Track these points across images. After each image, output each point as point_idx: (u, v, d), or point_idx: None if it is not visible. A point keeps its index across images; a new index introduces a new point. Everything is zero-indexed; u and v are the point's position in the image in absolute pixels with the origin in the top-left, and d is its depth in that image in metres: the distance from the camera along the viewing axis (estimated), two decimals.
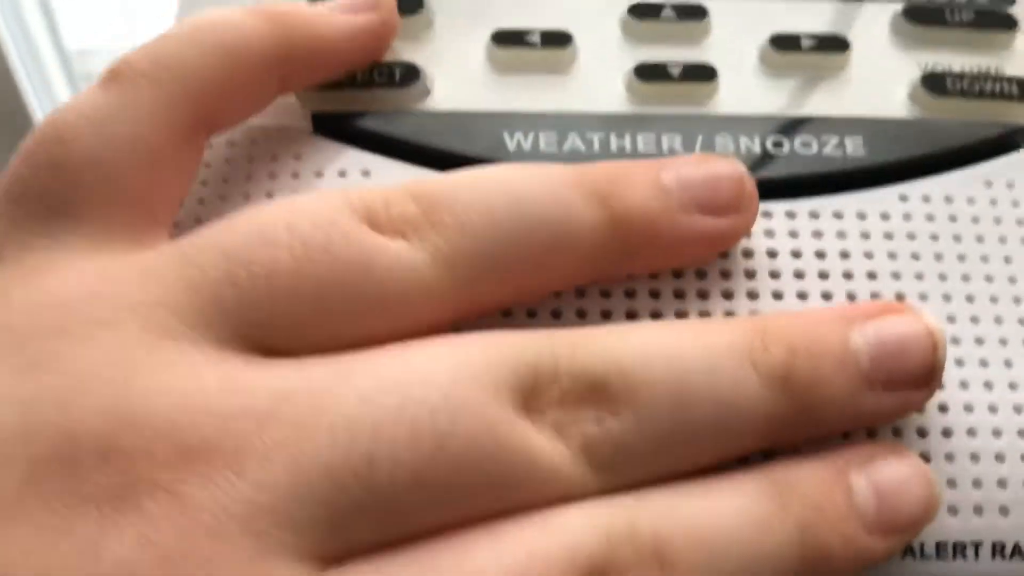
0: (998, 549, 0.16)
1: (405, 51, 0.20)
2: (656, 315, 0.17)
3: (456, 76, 0.20)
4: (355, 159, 0.18)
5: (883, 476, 0.15)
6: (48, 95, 0.86)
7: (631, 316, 0.17)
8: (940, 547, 0.16)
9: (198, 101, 0.16)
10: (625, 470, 0.14)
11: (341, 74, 0.19)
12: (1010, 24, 0.21)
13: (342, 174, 0.18)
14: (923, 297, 0.17)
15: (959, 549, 0.16)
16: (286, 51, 0.17)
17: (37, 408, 0.12)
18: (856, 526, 0.14)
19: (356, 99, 0.19)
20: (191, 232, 0.15)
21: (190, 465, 0.12)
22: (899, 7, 0.21)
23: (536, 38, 0.20)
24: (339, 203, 0.14)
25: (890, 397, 0.15)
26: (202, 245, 0.14)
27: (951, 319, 0.17)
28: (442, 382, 0.13)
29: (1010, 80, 0.20)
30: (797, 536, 0.14)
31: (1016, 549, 0.16)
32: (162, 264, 0.14)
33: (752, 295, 0.17)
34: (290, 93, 0.19)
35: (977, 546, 0.16)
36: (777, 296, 0.17)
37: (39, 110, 0.82)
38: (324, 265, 0.14)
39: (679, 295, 0.17)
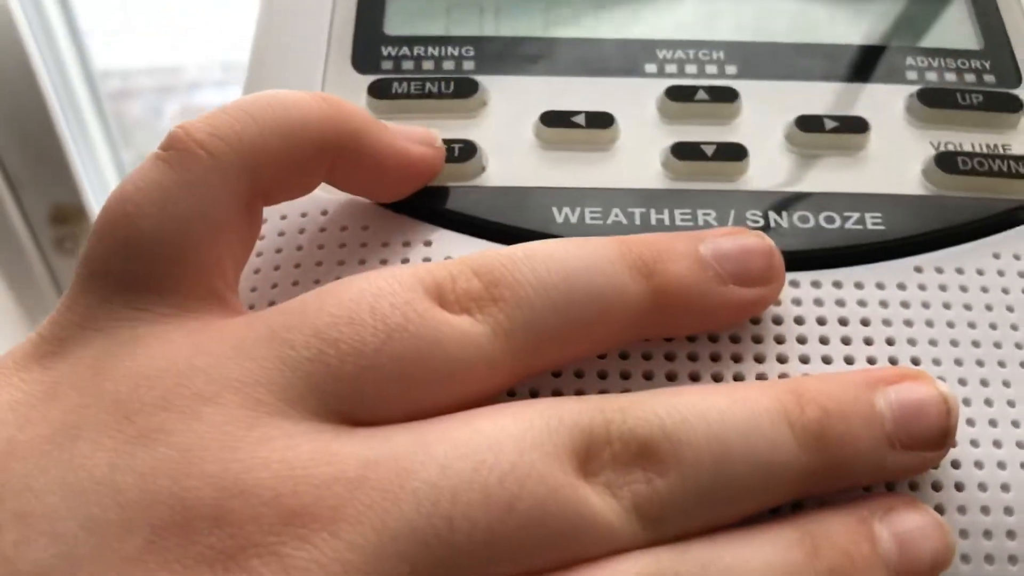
0: None
1: (463, 129, 0.22)
2: (694, 377, 0.18)
3: (508, 153, 0.22)
4: (418, 231, 0.20)
5: (903, 526, 0.17)
6: (75, 113, 0.89)
7: (671, 378, 0.18)
8: None
9: (255, 174, 0.18)
10: (671, 524, 0.15)
11: (379, 189, 0.20)
12: (1016, 106, 0.22)
13: (406, 244, 0.20)
14: (936, 362, 0.19)
15: None
16: (338, 144, 0.19)
17: (153, 478, 0.14)
18: (881, 571, 0.16)
19: None
20: (278, 307, 0.16)
21: (291, 529, 0.14)
22: (914, 89, 0.23)
23: (581, 119, 0.22)
24: (413, 283, 0.16)
25: (910, 455, 0.17)
26: (293, 324, 0.16)
27: (962, 382, 0.19)
28: (510, 449, 0.14)
29: (1017, 159, 0.22)
30: None
31: None
32: (254, 341, 0.16)
33: (781, 359, 0.19)
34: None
35: None
36: (804, 360, 0.19)
37: (67, 127, 0.85)
38: (403, 343, 0.15)
39: (715, 358, 0.19)
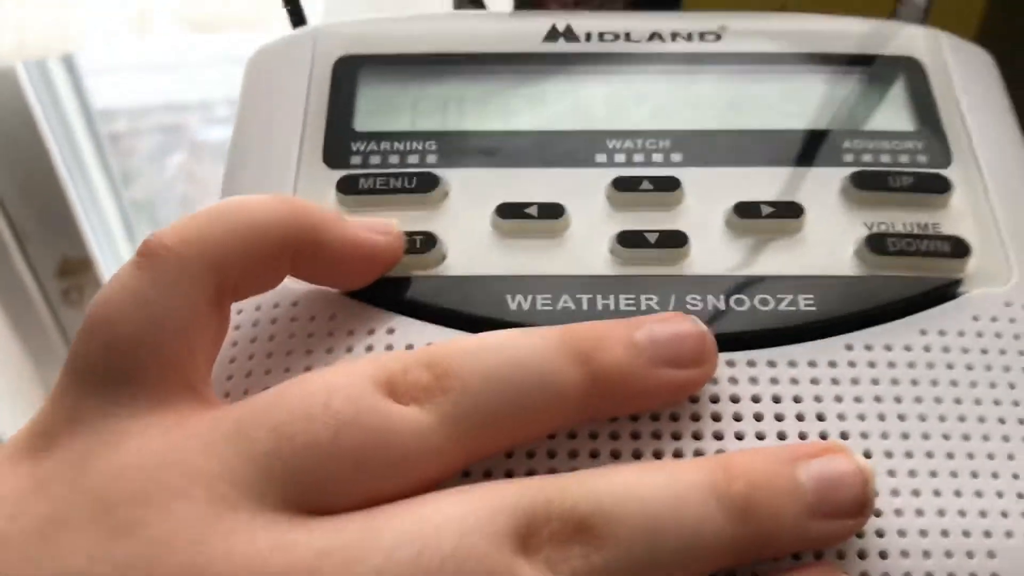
0: None
1: (425, 221, 0.24)
2: (637, 454, 0.20)
3: (467, 243, 0.23)
4: (382, 319, 0.22)
5: None
6: (79, 166, 0.91)
7: (615, 455, 0.20)
8: None
9: (220, 273, 0.19)
10: None
11: (341, 279, 0.22)
12: (944, 187, 0.24)
13: (371, 332, 0.22)
14: (864, 435, 0.20)
15: None
16: (299, 241, 0.20)
17: (128, 569, 0.16)
18: None
19: None
20: (241, 403, 0.18)
21: None
22: (848, 172, 0.24)
23: (534, 210, 0.23)
24: (364, 378, 0.18)
25: (831, 524, 0.18)
26: (253, 421, 0.17)
27: (888, 454, 0.20)
28: (451, 534, 0.16)
29: (944, 238, 0.23)
30: None
31: None
32: (219, 437, 0.17)
33: (717, 436, 0.20)
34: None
35: None
36: (739, 436, 0.20)
37: (71, 182, 0.87)
38: (352, 436, 0.17)
39: (656, 435, 0.20)
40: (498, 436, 0.18)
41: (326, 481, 0.17)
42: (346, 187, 0.24)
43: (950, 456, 0.20)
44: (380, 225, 0.22)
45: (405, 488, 0.17)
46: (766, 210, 0.23)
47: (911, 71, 0.27)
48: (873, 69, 0.27)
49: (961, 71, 0.27)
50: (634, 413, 0.20)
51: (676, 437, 0.20)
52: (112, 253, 0.97)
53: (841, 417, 0.21)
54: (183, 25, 0.67)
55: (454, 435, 0.18)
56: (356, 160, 0.25)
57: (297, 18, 0.31)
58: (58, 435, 0.18)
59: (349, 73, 0.26)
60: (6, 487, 0.17)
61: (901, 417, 0.21)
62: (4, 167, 0.83)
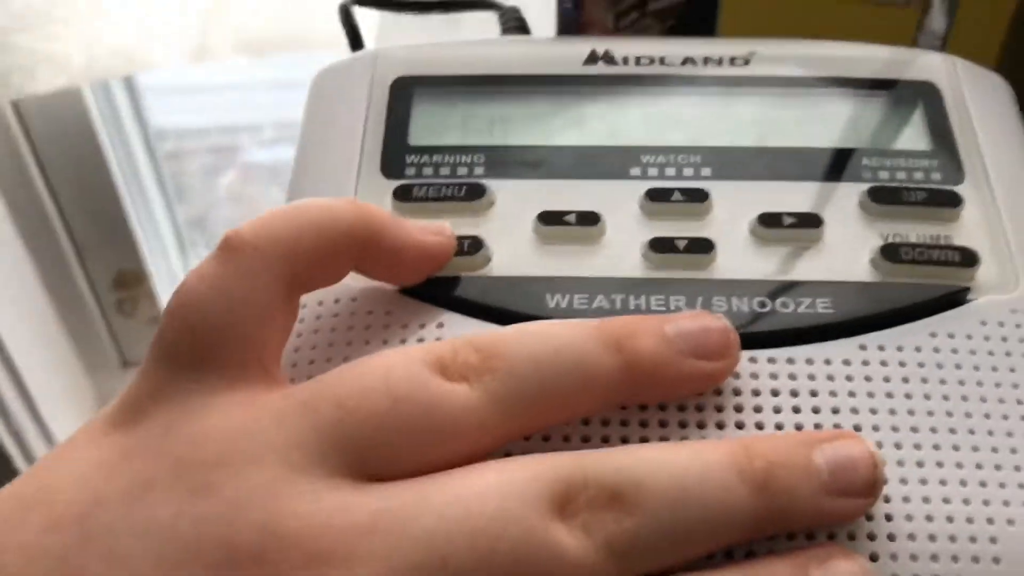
0: None
1: (472, 227, 0.26)
2: (664, 440, 0.22)
3: (511, 247, 0.25)
4: (432, 315, 0.24)
5: (839, 572, 0.20)
6: (137, 183, 0.94)
7: (644, 441, 0.22)
8: None
9: (294, 267, 0.21)
10: (639, 558, 0.19)
11: (399, 275, 0.24)
12: (956, 201, 0.26)
13: (422, 326, 0.24)
14: (876, 428, 0.22)
15: None
16: (363, 238, 0.23)
17: (208, 524, 0.18)
18: None
19: None
20: (309, 382, 0.20)
21: (315, 566, 0.17)
22: (866, 187, 0.26)
23: (572, 218, 0.25)
24: (418, 357, 0.20)
25: (844, 502, 0.20)
26: (319, 395, 0.19)
27: (898, 446, 0.22)
28: (494, 499, 0.18)
29: (954, 249, 0.25)
30: None
31: None
32: (290, 410, 0.19)
33: (739, 425, 0.22)
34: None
35: None
36: (759, 427, 0.22)
37: (129, 198, 0.90)
38: (408, 408, 0.19)
39: (682, 425, 0.22)
40: (538, 415, 0.20)
41: (383, 449, 0.19)
42: (402, 195, 0.26)
43: (955, 448, 0.22)
44: (435, 227, 0.24)
45: (454, 458, 0.19)
46: (788, 220, 0.25)
47: (928, 95, 0.28)
48: (892, 93, 0.29)
49: (975, 95, 0.29)
50: (663, 401, 0.22)
51: (701, 426, 0.22)
52: (166, 267, 1.01)
53: (854, 411, 0.22)
54: (239, 50, 0.71)
55: (499, 411, 0.20)
56: (411, 171, 0.27)
57: (355, 42, 0.34)
58: (145, 408, 0.20)
59: (405, 92, 0.29)
60: (101, 454, 0.20)
61: (911, 412, 0.22)
62: (66, 182, 0.87)
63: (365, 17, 0.41)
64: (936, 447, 0.22)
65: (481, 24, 0.41)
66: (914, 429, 0.22)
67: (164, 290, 1.01)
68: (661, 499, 0.19)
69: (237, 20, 0.69)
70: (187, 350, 0.20)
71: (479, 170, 0.27)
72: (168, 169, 1.03)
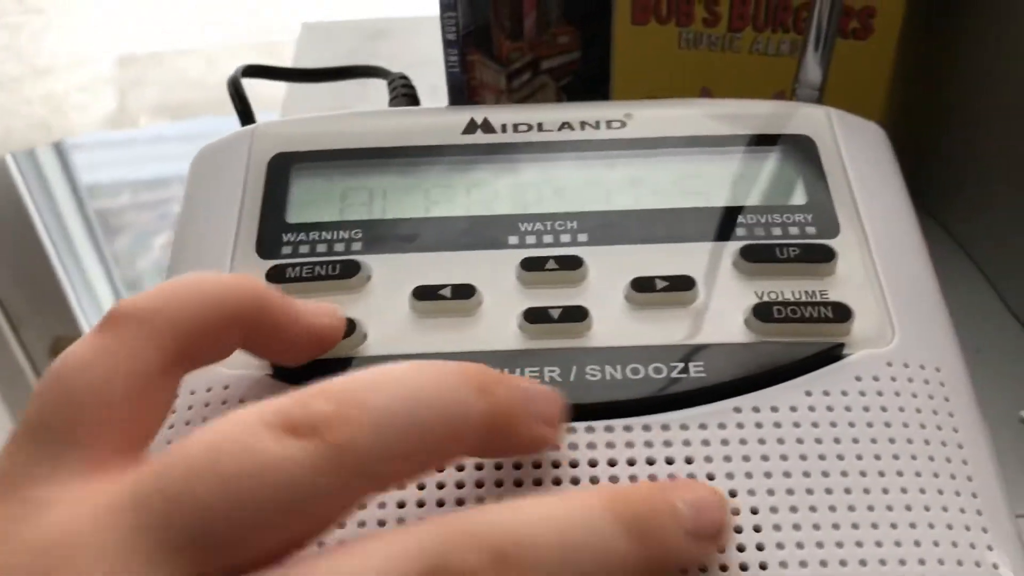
0: None
1: (348, 305, 0.25)
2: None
3: (386, 324, 0.25)
4: None
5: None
6: (68, 247, 0.93)
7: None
8: None
9: (178, 342, 0.20)
10: None
11: (286, 355, 0.23)
12: (829, 256, 0.26)
13: None
14: (751, 492, 0.22)
15: None
16: (252, 316, 0.22)
17: None
18: None
19: None
20: (147, 465, 0.18)
21: None
22: (739, 246, 0.26)
23: (448, 291, 0.25)
24: (257, 420, 0.18)
25: (704, 543, 0.20)
26: (149, 486, 0.18)
27: (773, 509, 0.22)
28: None
29: (827, 305, 0.25)
30: None
31: None
32: (124, 509, 0.18)
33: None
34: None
35: None
36: None
37: (61, 264, 0.88)
38: (245, 489, 0.17)
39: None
40: (403, 466, 0.19)
41: (225, 536, 0.17)
42: (275, 276, 0.26)
43: (832, 509, 0.22)
44: (326, 309, 0.23)
45: (312, 528, 0.18)
46: (660, 284, 0.25)
47: (804, 148, 0.29)
48: (768, 148, 0.29)
49: (851, 145, 0.29)
50: (503, 457, 0.22)
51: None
52: None
53: (730, 476, 0.22)
54: (157, 115, 0.70)
55: (357, 471, 0.18)
56: (287, 250, 0.27)
57: (246, 115, 0.34)
58: None
59: (282, 169, 0.29)
60: None
61: (786, 474, 0.22)
62: None
63: (272, 86, 0.41)
64: (812, 508, 0.22)
65: (382, 84, 0.41)
66: (790, 491, 0.22)
67: None
68: (548, 552, 0.18)
69: (154, 86, 0.69)
70: (49, 426, 0.19)
71: (356, 245, 0.27)
72: (101, 230, 1.02)
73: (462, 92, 0.39)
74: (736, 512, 0.21)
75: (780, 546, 0.21)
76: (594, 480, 0.22)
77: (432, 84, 0.37)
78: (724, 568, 0.21)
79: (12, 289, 0.87)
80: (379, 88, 0.43)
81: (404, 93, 0.35)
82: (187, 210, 0.29)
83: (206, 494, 0.17)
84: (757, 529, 0.21)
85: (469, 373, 0.20)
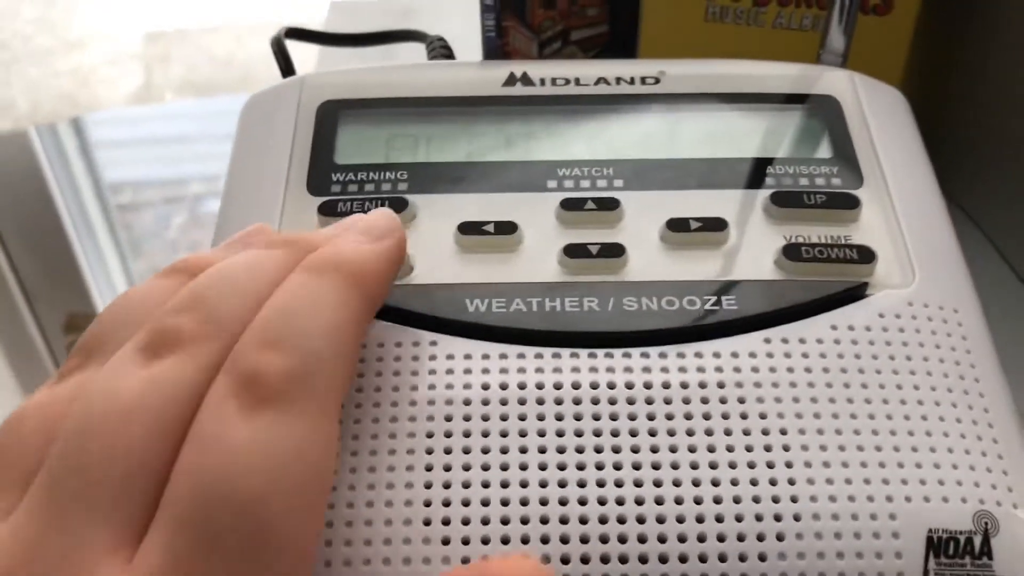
0: None
1: None
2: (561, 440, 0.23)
3: (432, 256, 0.26)
4: None
5: None
6: (86, 226, 0.94)
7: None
8: None
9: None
10: None
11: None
12: (854, 203, 0.27)
13: None
14: (780, 415, 0.23)
15: None
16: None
17: None
18: None
19: None
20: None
21: None
22: (769, 193, 0.27)
23: (491, 227, 0.26)
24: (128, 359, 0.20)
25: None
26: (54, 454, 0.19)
27: (801, 431, 0.23)
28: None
29: (852, 247, 0.26)
30: None
31: None
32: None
33: (650, 416, 0.23)
34: None
35: None
36: (669, 417, 0.23)
37: (78, 241, 0.90)
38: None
39: (596, 417, 0.23)
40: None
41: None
42: (327, 210, 0.27)
43: (856, 433, 0.23)
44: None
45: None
46: (695, 225, 0.26)
47: (829, 107, 0.30)
48: (796, 107, 0.30)
49: (874, 107, 0.30)
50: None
51: (615, 431, 0.23)
52: None
53: (759, 400, 0.23)
54: (182, 91, 0.71)
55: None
56: (336, 188, 0.28)
57: (288, 72, 0.35)
58: None
59: (331, 115, 0.30)
60: None
61: (813, 400, 0.23)
62: (14, 225, 0.87)
63: (303, 53, 0.43)
64: (838, 432, 0.23)
65: (415, 56, 0.42)
66: (816, 415, 0.23)
67: None
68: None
69: (180, 63, 0.70)
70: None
71: (402, 186, 0.28)
72: (122, 220, 1.03)
73: (496, 57, 0.40)
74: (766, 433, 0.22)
75: (808, 464, 0.22)
76: (630, 401, 0.23)
77: (460, 51, 0.38)
78: (756, 499, 0.22)
79: (29, 263, 0.88)
80: (409, 58, 0.45)
81: (442, 54, 0.36)
82: (238, 153, 0.30)
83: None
84: (786, 448, 0.23)
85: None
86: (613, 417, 0.23)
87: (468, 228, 0.27)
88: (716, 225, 0.27)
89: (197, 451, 0.18)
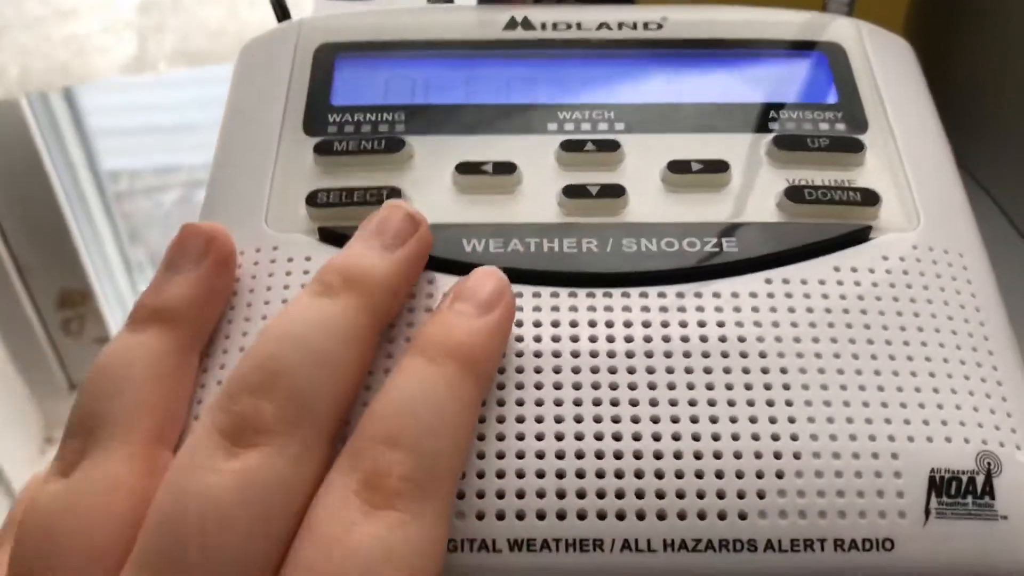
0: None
1: (392, 178, 0.26)
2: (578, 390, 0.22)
3: (429, 196, 0.26)
4: None
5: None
6: (81, 203, 0.93)
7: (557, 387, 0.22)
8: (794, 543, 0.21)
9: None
10: None
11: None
12: (857, 147, 0.27)
13: None
14: (781, 355, 0.23)
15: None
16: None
17: None
18: None
19: (352, 215, 0.25)
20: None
21: None
22: (771, 136, 0.27)
23: (489, 167, 0.26)
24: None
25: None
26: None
27: (802, 371, 0.22)
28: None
29: (856, 190, 0.26)
30: None
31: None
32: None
33: (648, 354, 0.23)
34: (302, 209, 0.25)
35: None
36: (667, 355, 0.23)
37: (73, 217, 0.89)
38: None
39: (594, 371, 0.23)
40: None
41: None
42: (322, 149, 0.27)
43: (859, 373, 0.23)
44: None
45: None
46: (696, 167, 0.26)
47: (834, 54, 0.30)
48: (800, 53, 0.30)
49: (879, 55, 0.30)
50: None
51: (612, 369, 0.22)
52: (111, 285, 0.99)
53: (760, 339, 0.23)
54: (176, 61, 0.71)
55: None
56: (332, 129, 0.28)
57: (282, 13, 0.35)
58: None
59: (328, 58, 0.29)
60: None
61: (815, 340, 0.23)
62: (6, 198, 0.86)
63: (299, 8, 0.42)
64: (840, 372, 0.23)
65: (414, 0, 0.41)
66: (818, 355, 0.23)
67: (110, 308, 1.00)
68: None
69: (174, 32, 0.70)
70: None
71: (400, 127, 0.28)
72: (118, 208, 1.02)
73: (497, 2, 0.39)
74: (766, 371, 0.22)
75: (808, 403, 0.22)
76: (628, 340, 0.23)
77: None
78: (756, 437, 0.21)
79: (22, 237, 0.88)
80: (409, 2, 0.44)
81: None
82: (234, 96, 0.30)
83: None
84: (786, 387, 0.22)
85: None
86: (611, 356, 0.23)
87: (466, 168, 0.26)
88: (718, 167, 0.26)
89: (319, 551, 0.18)
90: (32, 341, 0.95)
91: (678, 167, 0.26)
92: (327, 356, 0.20)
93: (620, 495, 0.21)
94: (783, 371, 0.22)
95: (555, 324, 0.23)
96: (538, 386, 0.22)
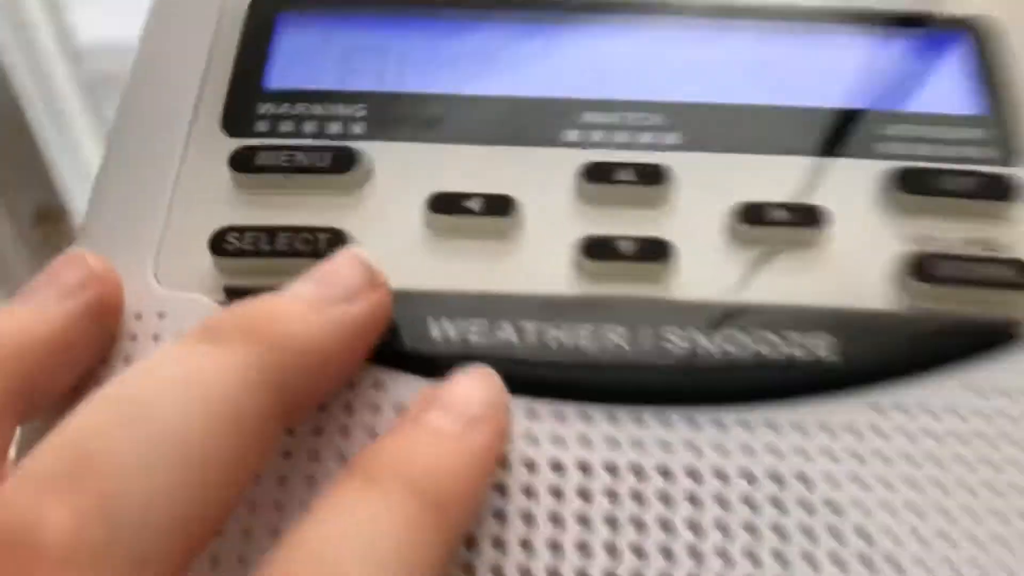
0: None
1: (337, 212, 0.18)
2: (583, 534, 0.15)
3: (387, 243, 0.18)
4: None
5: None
6: (56, 111, 0.84)
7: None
8: None
9: None
10: None
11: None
12: (1008, 192, 0.18)
13: None
14: (888, 532, 0.15)
15: None
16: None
17: None
18: None
19: (274, 268, 0.17)
20: None
21: None
22: (890, 167, 0.19)
23: (477, 204, 0.18)
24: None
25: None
26: None
27: (919, 562, 0.15)
28: None
29: (1009, 263, 0.18)
30: None
31: None
32: None
33: (693, 526, 0.15)
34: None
35: None
36: (723, 529, 0.15)
37: (47, 129, 0.80)
38: None
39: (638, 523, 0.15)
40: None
41: None
42: (240, 163, 0.19)
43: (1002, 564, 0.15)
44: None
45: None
46: (777, 215, 0.18)
47: (971, 36, 0.21)
48: (924, 33, 0.21)
49: None
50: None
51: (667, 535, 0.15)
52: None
53: (859, 506, 0.15)
54: None
55: None
56: (262, 126, 0.20)
57: None
58: None
59: (265, 18, 0.21)
60: None
61: (943, 511, 0.15)
62: None
63: None
64: (973, 562, 0.15)
65: None
66: (942, 534, 0.15)
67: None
68: None
69: None
70: None
71: (357, 127, 0.20)
72: (93, 86, 0.93)
73: None
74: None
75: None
76: (665, 499, 0.15)
77: None
78: None
79: None
80: None
81: None
82: (139, 65, 0.21)
83: None
84: None
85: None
86: (639, 527, 0.15)
87: (444, 204, 0.18)
88: (810, 217, 0.18)
89: None
90: (11, 259, 0.89)
91: (751, 215, 0.18)
92: (185, 439, 0.13)
93: None
94: (890, 561, 0.15)
95: (557, 467, 0.16)
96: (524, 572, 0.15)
